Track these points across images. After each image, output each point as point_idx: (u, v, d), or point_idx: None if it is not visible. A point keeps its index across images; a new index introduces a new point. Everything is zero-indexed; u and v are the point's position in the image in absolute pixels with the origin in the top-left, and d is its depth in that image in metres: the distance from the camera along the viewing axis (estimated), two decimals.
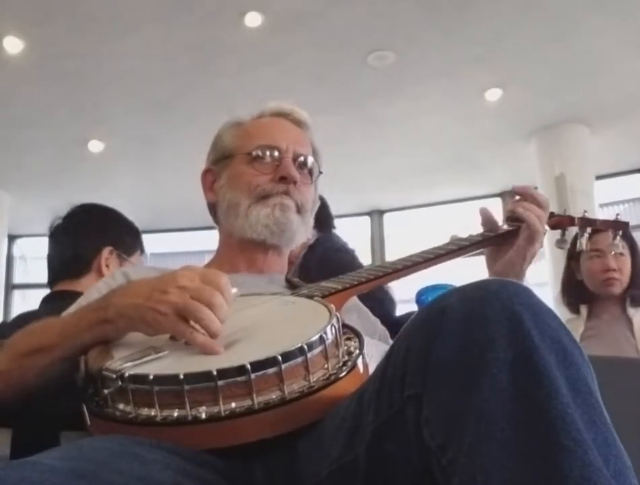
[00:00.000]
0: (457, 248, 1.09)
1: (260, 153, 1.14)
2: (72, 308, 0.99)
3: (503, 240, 1.10)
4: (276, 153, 1.13)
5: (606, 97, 4.75)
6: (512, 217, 1.12)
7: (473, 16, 3.85)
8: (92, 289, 1.08)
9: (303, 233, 1.16)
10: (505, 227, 1.11)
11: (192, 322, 0.75)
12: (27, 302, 6.88)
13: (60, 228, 1.74)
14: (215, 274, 0.79)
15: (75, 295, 1.20)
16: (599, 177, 5.38)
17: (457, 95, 4.72)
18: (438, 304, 0.63)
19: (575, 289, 2.27)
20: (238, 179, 1.15)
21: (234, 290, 0.79)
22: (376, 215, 6.69)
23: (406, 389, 0.60)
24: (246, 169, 1.14)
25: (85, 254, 1.68)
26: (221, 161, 1.19)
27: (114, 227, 1.77)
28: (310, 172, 1.18)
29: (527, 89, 4.68)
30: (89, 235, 1.71)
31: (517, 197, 1.16)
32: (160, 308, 0.75)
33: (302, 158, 1.16)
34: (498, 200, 6.24)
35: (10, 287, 6.89)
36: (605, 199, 5.85)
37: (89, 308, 0.84)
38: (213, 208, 1.22)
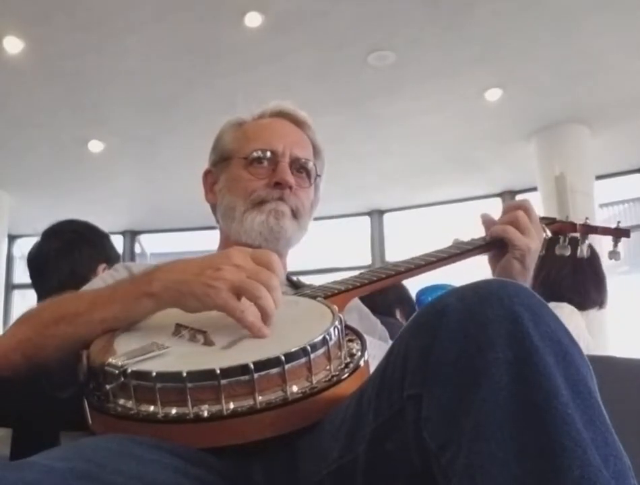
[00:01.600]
0: (459, 252, 1.09)
1: (256, 157, 1.13)
2: (84, 290, 0.99)
3: (504, 243, 1.10)
4: (272, 157, 1.13)
5: (606, 97, 4.74)
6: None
7: (473, 16, 3.85)
8: (97, 279, 1.08)
9: (299, 237, 1.16)
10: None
11: (243, 301, 0.75)
12: (28, 301, 6.88)
13: (52, 247, 1.80)
14: (268, 255, 0.80)
15: None
16: (599, 177, 5.38)
17: (457, 95, 4.72)
18: (437, 304, 0.63)
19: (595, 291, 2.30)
20: (235, 183, 1.15)
21: None
22: (376, 215, 6.69)
23: (406, 389, 0.60)
24: (243, 173, 1.14)
25: (82, 272, 1.73)
26: (220, 163, 1.20)
27: (102, 242, 1.87)
28: (309, 174, 1.17)
29: (527, 89, 4.67)
30: (83, 253, 1.78)
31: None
32: (213, 283, 0.75)
33: (299, 161, 1.15)
34: (498, 200, 6.25)
35: (10, 287, 6.89)
36: (605, 199, 5.84)
37: (126, 281, 0.84)
38: (212, 208, 1.22)
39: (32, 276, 1.87)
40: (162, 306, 0.79)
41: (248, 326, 0.74)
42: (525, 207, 1.09)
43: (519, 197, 6.21)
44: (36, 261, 1.85)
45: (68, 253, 1.78)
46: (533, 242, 1.06)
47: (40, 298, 1.83)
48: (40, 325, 0.84)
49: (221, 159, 1.19)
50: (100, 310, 0.80)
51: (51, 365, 0.83)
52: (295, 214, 1.13)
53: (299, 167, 1.15)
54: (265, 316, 0.75)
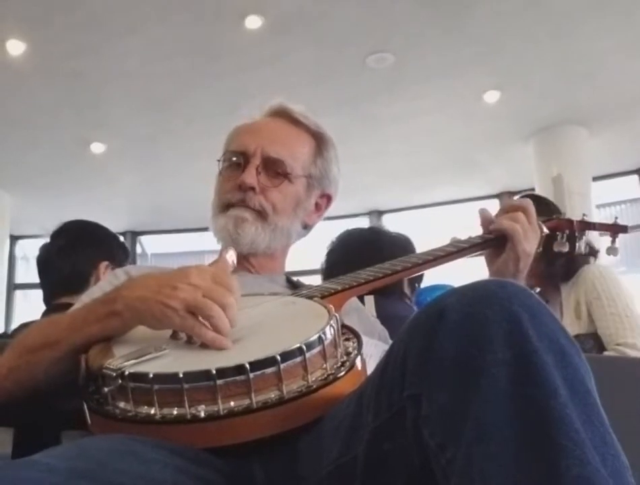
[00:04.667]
0: (456, 250, 1.09)
1: (227, 160, 1.16)
2: (76, 306, 1.00)
3: (502, 242, 1.10)
4: (243, 159, 1.13)
5: (604, 99, 4.75)
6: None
7: (472, 18, 3.86)
8: (95, 287, 1.08)
9: (273, 237, 1.14)
10: (492, 236, 1.10)
11: (200, 320, 0.75)
12: (29, 302, 6.88)
13: (56, 246, 1.84)
14: (226, 275, 0.80)
15: None
16: (596, 178, 5.38)
17: (456, 97, 4.72)
18: (437, 304, 0.63)
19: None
20: (216, 186, 1.19)
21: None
22: (376, 215, 6.69)
23: (406, 389, 0.60)
24: (220, 176, 1.18)
25: (84, 270, 1.76)
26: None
27: (107, 242, 1.90)
28: (285, 173, 1.14)
29: (526, 91, 4.68)
30: (85, 251, 1.81)
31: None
32: (169, 303, 0.75)
33: (270, 160, 1.13)
34: (496, 201, 6.24)
35: (12, 287, 6.89)
36: (602, 200, 5.85)
37: (98, 301, 0.84)
38: None
39: (38, 273, 1.90)
40: (128, 324, 0.80)
41: (209, 342, 0.74)
42: (524, 208, 1.08)
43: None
44: (40, 258, 1.89)
45: (70, 251, 1.81)
46: (530, 246, 1.06)
47: (44, 294, 1.86)
48: (26, 353, 0.85)
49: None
50: (79, 334, 0.81)
51: (42, 387, 0.84)
52: (262, 215, 1.12)
53: (270, 166, 1.13)
54: (219, 334, 0.75)
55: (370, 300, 1.52)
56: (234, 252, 0.88)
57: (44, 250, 1.88)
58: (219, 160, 1.18)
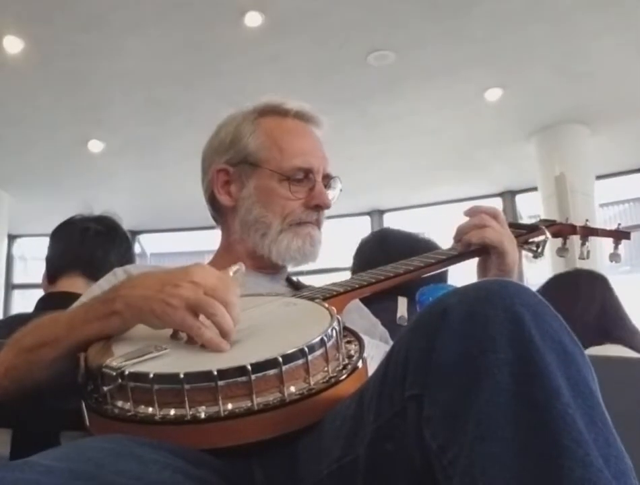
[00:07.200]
0: (459, 254, 1.10)
1: (297, 176, 1.10)
2: (75, 305, 0.99)
3: (482, 251, 1.11)
4: (310, 176, 1.11)
5: (606, 97, 4.75)
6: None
7: (473, 16, 3.85)
8: (94, 287, 1.08)
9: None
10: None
11: (201, 318, 0.75)
12: (27, 301, 6.88)
13: (94, 230, 1.78)
14: (228, 276, 0.80)
15: (75, 297, 1.19)
16: (599, 177, 5.38)
17: (457, 95, 4.72)
18: (439, 304, 0.63)
19: None
20: (270, 197, 1.10)
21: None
22: (376, 215, 6.69)
23: (407, 390, 0.60)
24: (280, 189, 1.09)
25: (115, 263, 1.70)
26: (243, 165, 1.12)
27: (130, 244, 1.87)
28: (335, 188, 1.17)
29: (528, 90, 4.68)
30: (122, 247, 1.78)
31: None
32: (170, 301, 0.74)
33: (329, 178, 1.14)
34: (499, 200, 6.25)
35: (10, 287, 6.89)
36: (605, 199, 5.85)
37: (97, 300, 0.83)
38: (221, 208, 1.16)
39: (60, 248, 1.78)
40: (128, 323, 0.79)
41: (206, 343, 0.74)
42: (492, 213, 1.11)
43: (518, 198, 6.23)
44: (66, 234, 1.80)
45: (109, 239, 1.77)
46: (509, 246, 1.06)
47: (63, 268, 1.74)
48: (24, 351, 0.84)
49: (244, 162, 1.12)
50: (78, 333, 0.80)
51: (41, 387, 0.83)
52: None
53: (328, 184, 1.14)
54: (222, 333, 0.74)
55: (403, 301, 1.51)
56: (243, 267, 0.88)
57: (77, 230, 1.78)
58: (284, 174, 1.10)
